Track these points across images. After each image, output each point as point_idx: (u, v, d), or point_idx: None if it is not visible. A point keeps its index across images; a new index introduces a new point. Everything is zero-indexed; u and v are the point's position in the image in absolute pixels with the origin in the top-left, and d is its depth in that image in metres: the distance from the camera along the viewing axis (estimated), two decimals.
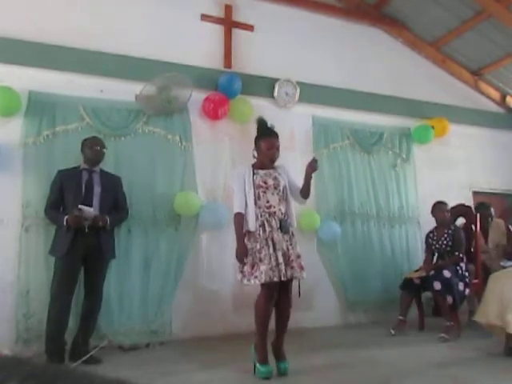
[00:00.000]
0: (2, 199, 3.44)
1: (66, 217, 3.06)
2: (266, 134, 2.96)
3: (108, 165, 3.59)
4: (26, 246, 3.43)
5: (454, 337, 3.69)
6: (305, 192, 3.02)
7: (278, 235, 2.82)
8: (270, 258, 2.73)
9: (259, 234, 2.81)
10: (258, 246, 2.78)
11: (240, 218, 2.85)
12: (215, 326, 3.89)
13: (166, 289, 3.80)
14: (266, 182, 2.91)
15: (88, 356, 3.09)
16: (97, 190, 3.25)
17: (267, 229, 2.82)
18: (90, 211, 3.10)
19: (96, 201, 3.21)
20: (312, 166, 2.94)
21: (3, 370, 0.49)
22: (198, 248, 4.03)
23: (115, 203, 3.36)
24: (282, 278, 2.73)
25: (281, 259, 2.75)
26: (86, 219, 3.07)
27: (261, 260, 2.74)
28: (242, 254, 2.79)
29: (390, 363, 3.10)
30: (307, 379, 2.80)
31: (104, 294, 3.32)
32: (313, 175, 2.98)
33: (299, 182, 3.05)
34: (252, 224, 2.83)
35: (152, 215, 3.85)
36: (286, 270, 2.75)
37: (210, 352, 3.38)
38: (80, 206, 3.05)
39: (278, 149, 2.97)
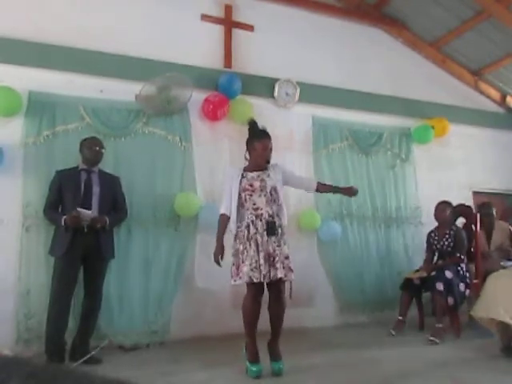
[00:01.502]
0: (3, 199, 3.44)
1: (65, 217, 3.06)
2: (260, 136, 2.99)
3: (108, 165, 3.59)
4: (26, 246, 3.43)
5: (443, 339, 3.66)
6: (321, 190, 3.25)
7: (262, 237, 2.83)
8: (252, 259, 2.77)
9: (243, 235, 2.85)
10: (242, 248, 2.83)
11: (223, 219, 2.95)
12: (215, 326, 3.89)
13: (166, 289, 3.80)
14: (251, 185, 2.93)
15: (88, 356, 3.09)
16: (96, 190, 3.25)
17: (251, 230, 2.85)
18: (88, 214, 3.10)
19: (95, 201, 3.21)
20: (351, 193, 3.14)
21: (3, 369, 0.49)
22: (198, 248, 4.02)
23: (114, 203, 3.36)
24: (262, 279, 2.75)
25: (262, 260, 2.77)
26: (85, 220, 3.07)
27: (243, 261, 2.79)
28: (217, 254, 2.90)
29: (390, 363, 3.10)
30: (307, 379, 2.80)
31: (104, 294, 3.32)
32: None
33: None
34: (233, 226, 2.92)
35: (152, 215, 3.85)
36: (269, 271, 2.77)
37: (210, 352, 3.38)
38: (78, 209, 3.05)
39: (271, 150, 3.01)
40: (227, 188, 2.98)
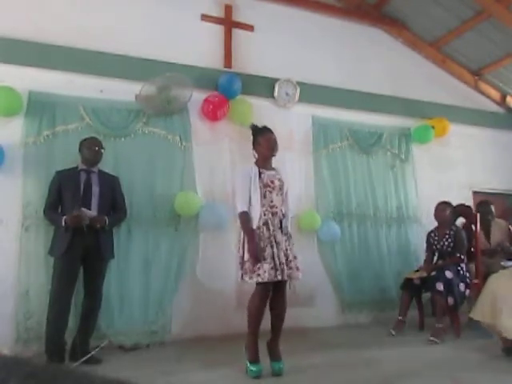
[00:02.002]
0: (2, 199, 3.44)
1: (65, 217, 3.06)
2: (262, 131, 3.07)
3: (108, 165, 3.59)
4: (26, 245, 3.43)
5: (443, 339, 3.66)
6: None
7: (279, 235, 2.86)
8: (273, 258, 2.76)
9: (263, 233, 2.84)
10: (262, 245, 2.81)
11: (246, 217, 2.87)
12: (215, 325, 3.89)
13: (166, 289, 3.80)
14: (273, 182, 2.96)
15: (88, 356, 3.08)
16: (95, 190, 3.24)
17: (271, 227, 2.86)
18: (91, 213, 3.11)
19: (95, 201, 3.21)
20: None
21: (3, 369, 0.49)
22: (199, 248, 4.02)
23: (114, 203, 3.36)
24: (284, 278, 2.77)
25: (283, 259, 2.79)
26: (85, 220, 3.07)
27: (264, 259, 2.77)
28: (255, 251, 2.76)
29: (390, 363, 3.10)
30: (306, 379, 2.80)
31: (104, 294, 3.32)
32: None
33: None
34: (256, 222, 2.86)
35: (152, 215, 3.85)
36: (285, 270, 2.79)
37: (210, 352, 3.38)
38: (82, 209, 3.05)
39: (275, 141, 3.04)
40: (244, 185, 2.90)
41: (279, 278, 2.74)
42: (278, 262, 2.76)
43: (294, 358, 2.99)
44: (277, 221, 2.90)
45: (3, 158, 3.43)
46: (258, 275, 2.74)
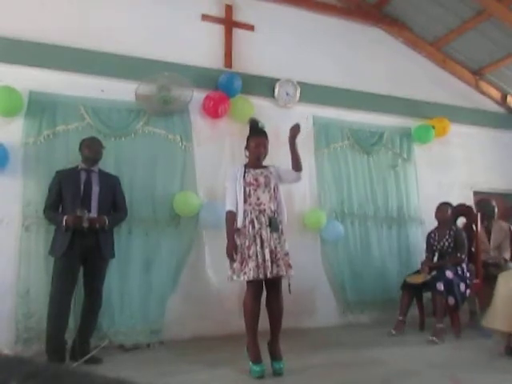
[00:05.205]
0: (3, 199, 3.44)
1: (65, 217, 3.06)
2: (254, 134, 3.11)
3: (108, 165, 3.60)
4: (26, 245, 3.43)
5: (443, 339, 3.66)
6: (294, 163, 3.05)
7: (266, 232, 2.86)
8: (257, 256, 2.78)
9: (248, 231, 2.87)
10: (247, 243, 2.84)
11: (231, 216, 2.95)
12: (216, 325, 3.89)
13: (166, 289, 3.80)
14: (256, 180, 2.99)
15: (89, 356, 3.08)
16: (95, 189, 3.24)
17: (256, 226, 2.87)
18: (92, 216, 3.11)
19: (94, 201, 3.21)
20: (294, 130, 3.02)
21: (5, 369, 0.49)
22: (199, 248, 4.02)
23: (114, 203, 3.36)
24: (268, 276, 2.77)
25: (268, 256, 2.79)
26: (84, 222, 3.07)
27: (249, 257, 2.79)
28: (231, 250, 2.87)
29: (390, 363, 3.09)
30: (307, 379, 2.80)
31: (105, 293, 3.32)
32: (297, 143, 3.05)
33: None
34: (240, 221, 2.90)
35: (152, 215, 3.85)
36: (272, 268, 2.79)
37: (210, 352, 3.37)
38: (85, 211, 3.06)
39: (265, 147, 3.08)
40: (231, 185, 3.00)
41: (261, 276, 2.76)
42: (260, 261, 2.77)
43: (294, 358, 2.99)
44: (264, 218, 2.90)
45: (7, 160, 3.43)
46: (245, 273, 2.79)
